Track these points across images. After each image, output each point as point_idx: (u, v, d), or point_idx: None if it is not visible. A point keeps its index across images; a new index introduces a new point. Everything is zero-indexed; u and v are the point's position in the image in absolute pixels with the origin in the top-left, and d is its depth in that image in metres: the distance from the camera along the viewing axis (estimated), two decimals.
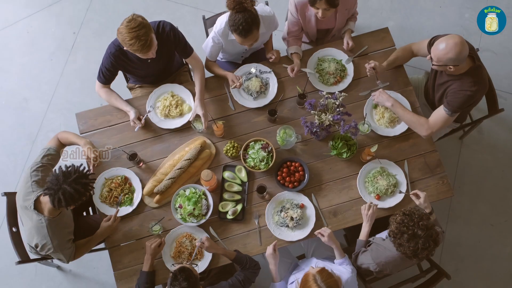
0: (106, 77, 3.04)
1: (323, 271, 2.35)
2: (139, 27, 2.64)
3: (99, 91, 3.11)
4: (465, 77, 2.79)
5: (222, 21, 3.04)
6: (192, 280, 2.35)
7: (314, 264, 2.72)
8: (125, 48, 2.78)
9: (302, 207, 2.97)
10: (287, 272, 2.95)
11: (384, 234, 2.80)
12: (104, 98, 3.12)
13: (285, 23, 3.39)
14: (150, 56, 2.82)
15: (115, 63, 2.98)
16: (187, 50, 3.11)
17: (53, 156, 2.81)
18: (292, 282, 2.71)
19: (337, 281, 2.36)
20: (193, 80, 3.39)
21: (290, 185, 3.02)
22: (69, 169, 2.48)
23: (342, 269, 2.64)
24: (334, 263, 2.79)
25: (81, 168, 2.51)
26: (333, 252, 2.83)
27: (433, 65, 2.76)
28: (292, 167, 3.04)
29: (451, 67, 2.69)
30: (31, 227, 2.65)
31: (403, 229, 2.40)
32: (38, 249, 2.68)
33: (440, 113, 2.90)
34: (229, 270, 3.01)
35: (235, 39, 2.94)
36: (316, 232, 2.81)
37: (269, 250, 2.75)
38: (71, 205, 2.48)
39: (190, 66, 3.36)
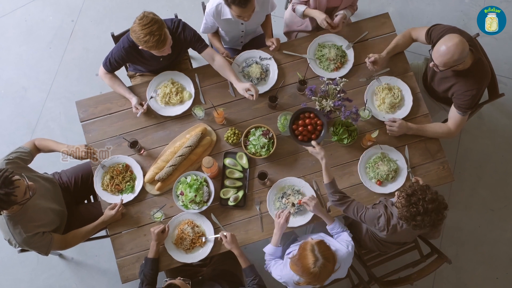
0: (112, 67, 3.04)
1: (321, 243, 2.39)
2: (151, 23, 2.64)
3: (103, 77, 3.11)
4: (468, 75, 2.80)
5: (213, 1, 3.02)
6: None
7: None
8: (140, 47, 2.77)
9: (303, 193, 2.98)
10: (287, 243, 2.96)
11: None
12: (108, 84, 3.12)
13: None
14: (166, 52, 2.81)
15: (126, 57, 2.98)
16: (202, 45, 3.02)
17: (23, 154, 2.77)
18: (289, 252, 2.71)
19: (334, 254, 2.41)
20: (217, 71, 3.18)
21: (307, 138, 2.90)
22: None
23: (338, 245, 2.63)
24: (331, 237, 2.79)
25: (6, 174, 2.37)
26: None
27: (440, 71, 2.75)
28: (307, 120, 2.91)
29: (458, 65, 2.69)
30: None
31: (413, 210, 2.37)
32: (10, 244, 2.65)
33: (456, 118, 2.96)
34: (230, 256, 3.02)
35: (233, 12, 2.87)
36: (302, 201, 2.82)
37: (282, 220, 2.74)
38: None
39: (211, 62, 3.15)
